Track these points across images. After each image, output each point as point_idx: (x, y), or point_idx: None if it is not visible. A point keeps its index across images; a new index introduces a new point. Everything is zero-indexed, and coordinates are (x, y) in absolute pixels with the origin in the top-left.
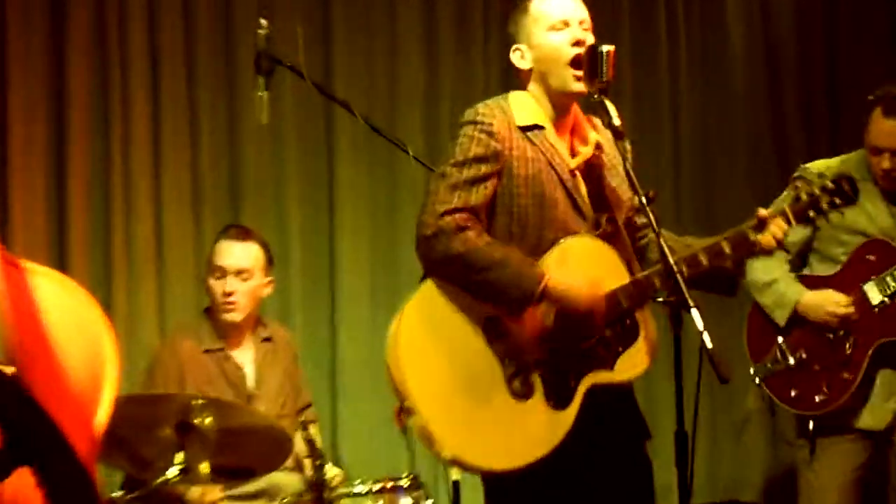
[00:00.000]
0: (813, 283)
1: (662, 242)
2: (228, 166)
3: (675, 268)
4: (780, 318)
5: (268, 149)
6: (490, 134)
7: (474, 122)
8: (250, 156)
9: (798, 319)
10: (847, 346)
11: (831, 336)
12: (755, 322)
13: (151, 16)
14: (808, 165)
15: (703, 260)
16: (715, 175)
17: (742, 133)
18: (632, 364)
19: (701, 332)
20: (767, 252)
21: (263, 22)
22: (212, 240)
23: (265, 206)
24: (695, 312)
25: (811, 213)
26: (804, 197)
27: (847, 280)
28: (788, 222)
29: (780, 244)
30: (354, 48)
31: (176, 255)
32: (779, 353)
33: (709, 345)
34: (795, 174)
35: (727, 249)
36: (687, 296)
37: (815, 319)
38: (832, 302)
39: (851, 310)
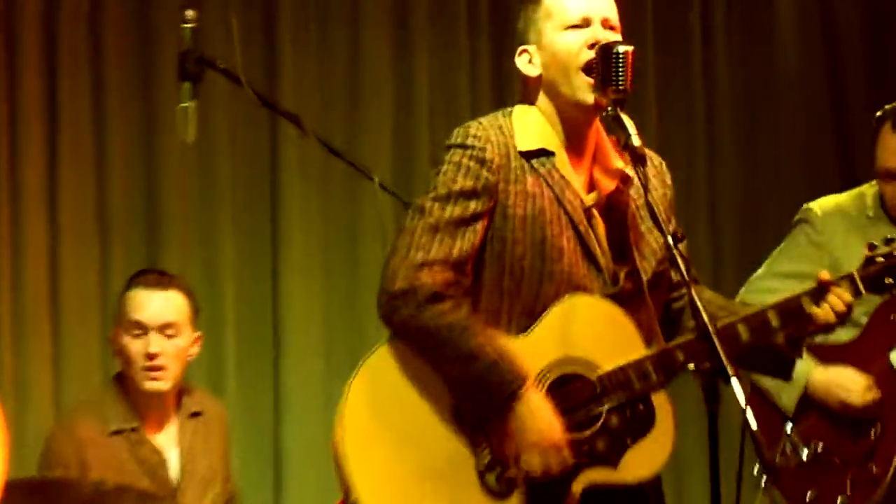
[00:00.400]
0: (826, 354)
1: (694, 295)
2: (144, 193)
3: (710, 326)
4: (788, 402)
5: (194, 172)
6: (482, 162)
7: (463, 146)
8: (172, 181)
9: (810, 401)
10: (872, 432)
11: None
12: (754, 407)
13: (47, 2)
14: (811, 206)
15: (744, 334)
16: (761, 202)
17: (796, 142)
18: (643, 460)
19: (744, 410)
20: (826, 329)
21: (189, 13)
22: (122, 286)
23: (191, 242)
24: (735, 383)
25: (889, 280)
26: (880, 259)
27: (870, 348)
28: (857, 292)
29: (843, 320)
30: (306, 45)
31: (76, 305)
32: (788, 446)
33: (753, 424)
34: (797, 217)
35: (775, 322)
36: (726, 362)
37: (831, 405)
38: (850, 385)
39: (872, 395)
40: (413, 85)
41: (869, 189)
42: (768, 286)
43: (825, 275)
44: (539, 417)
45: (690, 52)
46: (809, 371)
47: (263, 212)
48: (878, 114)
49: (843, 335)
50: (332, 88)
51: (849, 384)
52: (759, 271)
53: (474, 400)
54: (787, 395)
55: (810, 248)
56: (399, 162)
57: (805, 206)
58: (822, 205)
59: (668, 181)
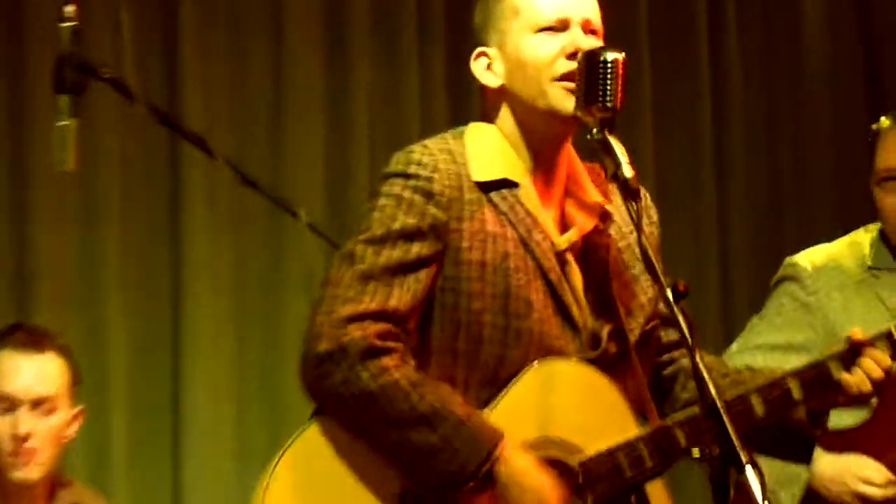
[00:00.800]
0: (832, 441)
1: (700, 363)
2: (11, 234)
3: (719, 401)
4: (788, 501)
5: (75, 206)
6: (428, 195)
7: (405, 175)
8: (46, 216)
9: (815, 498)
10: None
11: None
12: None
13: None
14: (797, 260)
15: (759, 408)
16: (782, 234)
17: (824, 161)
18: None
19: None
20: (858, 400)
21: (68, 9)
22: None
23: (70, 294)
24: (751, 474)
25: None
26: None
27: (882, 432)
28: None
29: (878, 389)
30: (216, 49)
31: None
32: None
33: None
34: (779, 275)
35: (797, 393)
36: (739, 448)
37: (845, 501)
38: (870, 475)
39: (892, 491)
40: (349, 99)
41: (864, 235)
42: (749, 362)
43: (858, 333)
44: (530, 478)
45: (694, 49)
46: (813, 461)
47: (162, 255)
48: (874, 127)
49: (847, 418)
50: (249, 103)
51: (868, 474)
52: (735, 345)
53: (436, 474)
54: (786, 493)
55: (799, 312)
56: (331, 194)
57: (788, 260)
58: (810, 258)
59: (654, 216)
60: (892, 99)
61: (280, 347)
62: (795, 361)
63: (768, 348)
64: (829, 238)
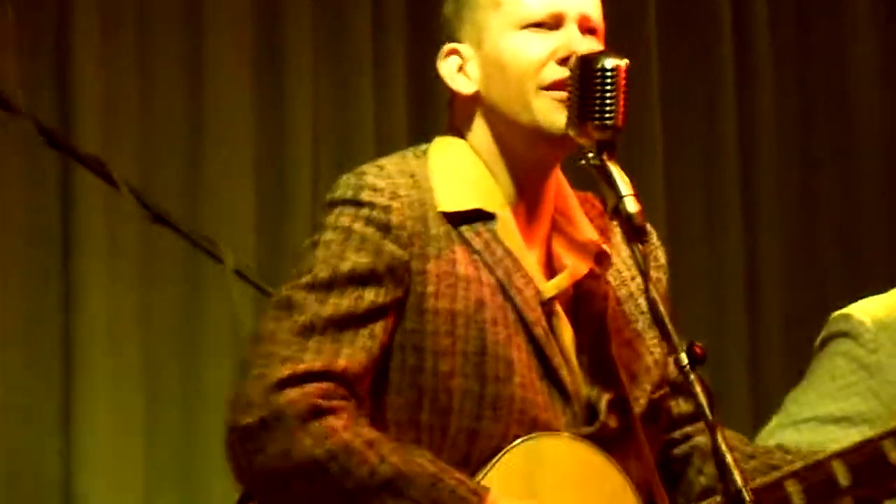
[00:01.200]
0: None
1: (720, 442)
2: None
3: (745, 491)
4: None
5: None
6: (385, 228)
7: (356, 203)
8: None
9: None
10: None
11: None
12: None
13: None
14: (852, 313)
15: (796, 496)
16: (827, 272)
17: (875, 196)
18: None
19: None
20: None
21: None
22: None
23: None
24: None
25: None
26: None
27: None
28: None
29: None
30: (117, 53)
31: None
32: None
33: None
34: (831, 330)
35: (843, 478)
36: None
37: None
38: None
39: None
40: (285, 113)
41: None
42: (797, 440)
43: None
44: None
45: (716, 47)
46: None
47: (50, 306)
48: None
49: None
50: (160, 119)
51: None
52: (774, 421)
53: None
54: None
55: (858, 375)
56: (264, 230)
57: (838, 314)
58: (869, 312)
59: (662, 259)
60: None
61: (198, 421)
62: (856, 437)
63: (819, 422)
64: (885, 286)
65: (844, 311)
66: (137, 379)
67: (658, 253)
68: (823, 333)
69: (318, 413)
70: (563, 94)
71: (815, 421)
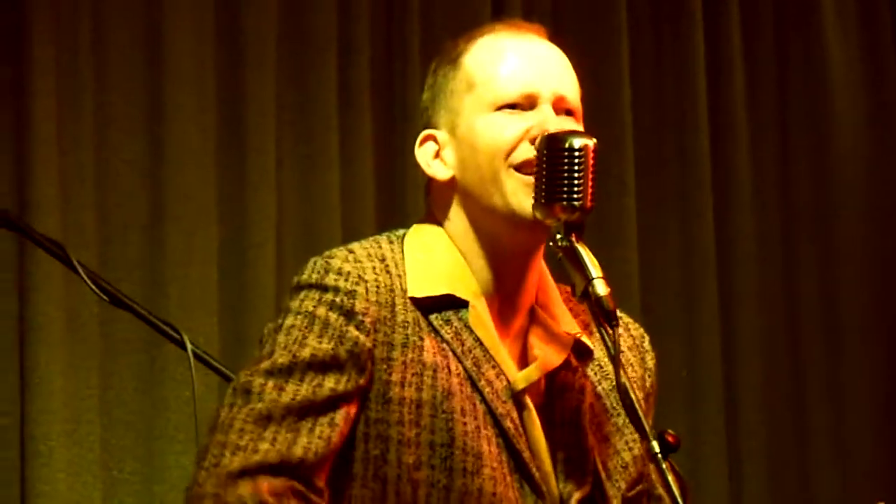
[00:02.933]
0: None
1: None
2: None
3: None
4: None
5: None
6: (349, 314)
7: (321, 287)
8: None
9: None
10: None
11: None
12: None
13: None
14: None
15: None
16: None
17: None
18: None
19: None
20: None
21: None
22: None
23: None
24: None
25: None
26: None
27: None
28: None
29: None
30: (76, 131)
31: None
32: None
33: None
34: None
35: None
36: None
37: None
38: None
39: None
40: (250, 189)
41: None
42: None
43: None
44: None
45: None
46: None
47: (6, 394)
48: None
49: None
50: (122, 198)
51: None
52: None
53: None
54: None
55: None
56: (227, 315)
57: None
58: None
59: (650, 364)
60: None
61: None
62: None
63: None
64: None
65: None
66: (96, 465)
67: (647, 357)
68: None
69: None
70: (529, 178)
71: None
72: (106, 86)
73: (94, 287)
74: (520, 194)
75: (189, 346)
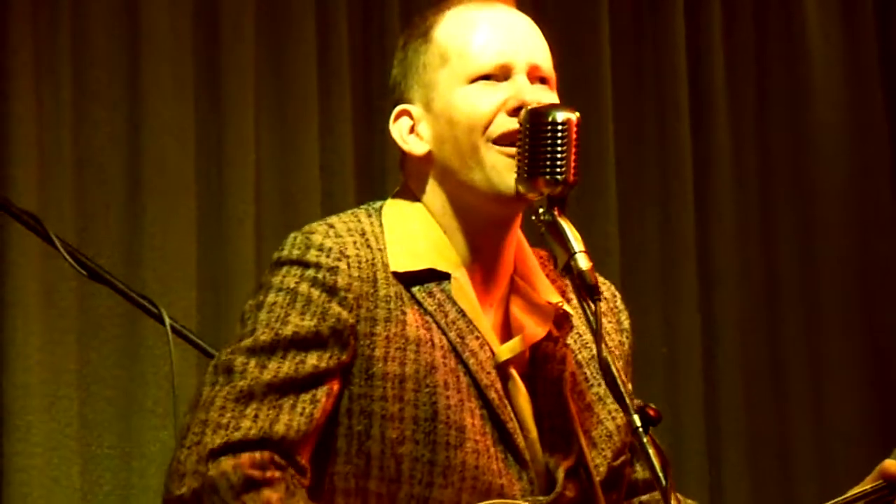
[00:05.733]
0: None
1: None
2: None
3: None
4: None
5: None
6: (332, 290)
7: (302, 264)
8: None
9: None
10: None
11: None
12: None
13: None
14: None
15: None
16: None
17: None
18: None
19: None
20: None
21: None
22: None
23: None
24: None
25: None
26: None
27: None
28: None
29: None
30: (52, 100)
31: None
32: None
33: None
34: None
35: None
36: None
37: None
38: None
39: None
40: (228, 163)
41: None
42: None
43: (892, 464)
44: None
45: (672, 92)
46: None
47: None
48: None
49: None
50: (100, 172)
51: None
52: None
53: None
54: None
55: None
56: (206, 289)
57: None
58: None
59: (626, 322)
60: None
61: (136, 485)
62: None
63: None
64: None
65: None
66: (74, 440)
67: (622, 316)
68: None
69: (252, 485)
70: (514, 150)
71: None
72: (84, 61)
73: (71, 261)
74: (500, 168)
75: (167, 321)
